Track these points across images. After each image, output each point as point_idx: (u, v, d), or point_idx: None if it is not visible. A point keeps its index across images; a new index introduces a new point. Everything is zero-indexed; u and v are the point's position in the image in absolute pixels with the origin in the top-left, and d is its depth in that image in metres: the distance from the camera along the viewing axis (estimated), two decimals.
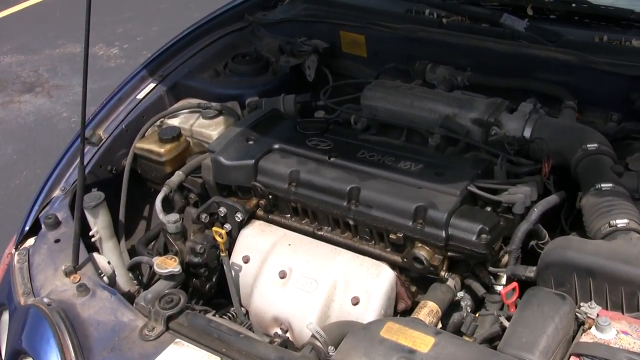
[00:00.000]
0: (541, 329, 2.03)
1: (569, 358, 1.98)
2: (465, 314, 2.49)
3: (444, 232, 2.39)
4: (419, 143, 2.90)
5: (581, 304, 2.14)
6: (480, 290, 2.50)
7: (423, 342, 2.03)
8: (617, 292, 2.13)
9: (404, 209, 2.45)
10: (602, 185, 2.41)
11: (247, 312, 2.71)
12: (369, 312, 2.44)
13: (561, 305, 2.10)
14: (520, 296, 2.25)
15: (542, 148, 2.67)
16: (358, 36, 3.52)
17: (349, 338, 2.11)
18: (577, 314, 2.11)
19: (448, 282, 2.47)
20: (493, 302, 2.48)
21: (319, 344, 2.19)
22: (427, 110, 2.91)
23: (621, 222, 2.26)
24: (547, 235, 2.49)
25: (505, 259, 2.48)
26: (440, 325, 2.41)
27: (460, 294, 2.50)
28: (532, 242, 2.51)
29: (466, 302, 2.51)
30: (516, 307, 2.19)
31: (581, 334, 2.04)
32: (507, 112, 2.85)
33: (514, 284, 2.27)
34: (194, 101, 3.32)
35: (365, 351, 2.03)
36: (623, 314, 2.13)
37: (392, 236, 2.48)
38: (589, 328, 2.04)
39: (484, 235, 2.35)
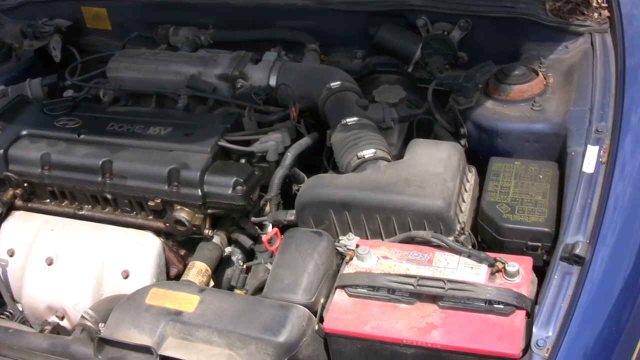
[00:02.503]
0: (302, 268, 2.07)
1: (334, 291, 2.02)
2: (235, 268, 2.51)
3: (199, 190, 2.39)
4: (171, 107, 2.89)
5: (340, 237, 2.19)
6: (247, 242, 2.51)
7: (189, 302, 2.04)
8: (373, 221, 2.21)
9: (157, 174, 2.44)
10: (348, 120, 2.48)
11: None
12: (140, 283, 2.40)
13: (319, 242, 2.14)
14: None
15: (288, 94, 2.71)
16: (100, 10, 3.47)
17: (115, 311, 2.08)
18: (337, 248, 2.16)
19: (214, 240, 2.48)
20: (262, 251, 2.48)
21: (89, 323, 2.16)
22: (172, 74, 2.91)
23: (368, 153, 2.34)
24: (305, 178, 2.53)
25: (269, 207, 2.50)
26: (212, 283, 2.42)
27: (229, 249, 2.51)
28: (295, 187, 2.54)
29: (237, 257, 2.52)
30: None
31: (344, 267, 2.09)
32: (252, 64, 2.88)
33: (275, 230, 2.30)
34: None
35: (133, 321, 2.02)
36: (383, 240, 2.20)
37: (150, 203, 2.46)
38: (351, 259, 2.10)
39: (239, 187, 2.37)
